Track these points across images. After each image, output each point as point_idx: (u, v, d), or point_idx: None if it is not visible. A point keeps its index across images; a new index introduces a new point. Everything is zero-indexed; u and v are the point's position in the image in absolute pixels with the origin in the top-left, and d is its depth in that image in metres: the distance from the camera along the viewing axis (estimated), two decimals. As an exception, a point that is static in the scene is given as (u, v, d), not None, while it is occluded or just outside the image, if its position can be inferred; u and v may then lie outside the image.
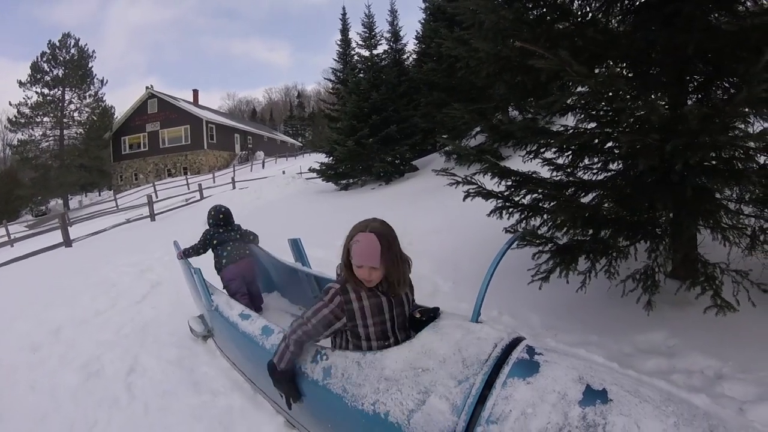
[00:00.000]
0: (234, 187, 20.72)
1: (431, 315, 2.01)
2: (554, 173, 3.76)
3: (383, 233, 1.91)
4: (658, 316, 3.24)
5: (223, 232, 4.13)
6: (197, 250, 4.14)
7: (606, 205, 3.29)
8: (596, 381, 1.49)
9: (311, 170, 15.86)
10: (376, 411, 1.71)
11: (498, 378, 1.54)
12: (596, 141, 2.97)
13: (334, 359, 1.97)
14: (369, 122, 13.10)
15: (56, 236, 12.43)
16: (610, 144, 3.06)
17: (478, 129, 10.15)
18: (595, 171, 3.51)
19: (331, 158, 14.50)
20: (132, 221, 14.92)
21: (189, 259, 4.11)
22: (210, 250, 4.15)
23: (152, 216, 14.78)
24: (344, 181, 14.21)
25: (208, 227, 4.19)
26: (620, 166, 3.25)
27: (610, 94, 2.26)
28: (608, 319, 3.43)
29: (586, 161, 3.59)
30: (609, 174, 3.39)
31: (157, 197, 17.48)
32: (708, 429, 1.39)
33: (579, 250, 3.25)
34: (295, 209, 11.47)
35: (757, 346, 2.79)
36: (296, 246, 3.98)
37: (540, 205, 3.57)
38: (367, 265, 1.87)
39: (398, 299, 2.01)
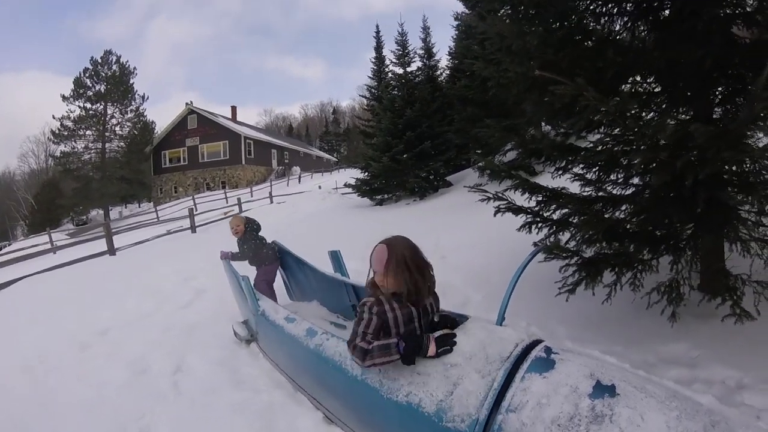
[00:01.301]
0: (272, 202, 21.23)
1: (451, 321, 2.21)
2: (583, 188, 3.88)
3: (392, 244, 2.16)
4: (682, 327, 3.30)
5: (257, 240, 4.94)
6: (238, 255, 4.96)
7: (631, 219, 3.41)
8: (606, 377, 1.66)
9: (347, 185, 16.19)
10: (409, 401, 1.94)
11: (517, 373, 1.75)
12: (619, 158, 3.11)
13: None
14: (404, 138, 13.33)
15: (98, 245, 13.02)
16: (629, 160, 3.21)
17: (509, 146, 10.26)
18: (621, 186, 3.63)
19: (367, 174, 14.77)
20: (173, 233, 15.39)
21: (235, 267, 4.45)
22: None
23: (193, 228, 15.24)
24: (379, 197, 14.45)
25: (243, 235, 4.99)
26: (640, 181, 3.37)
27: (628, 115, 2.43)
28: (633, 330, 3.51)
29: (612, 177, 3.71)
30: (632, 189, 3.51)
31: (196, 210, 18.11)
32: (710, 423, 1.54)
33: (604, 263, 3.37)
34: (331, 223, 11.74)
35: None
36: (336, 258, 4.25)
37: (569, 219, 3.70)
38: (376, 271, 2.15)
39: (424, 309, 2.20)
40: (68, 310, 6.54)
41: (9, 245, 32.51)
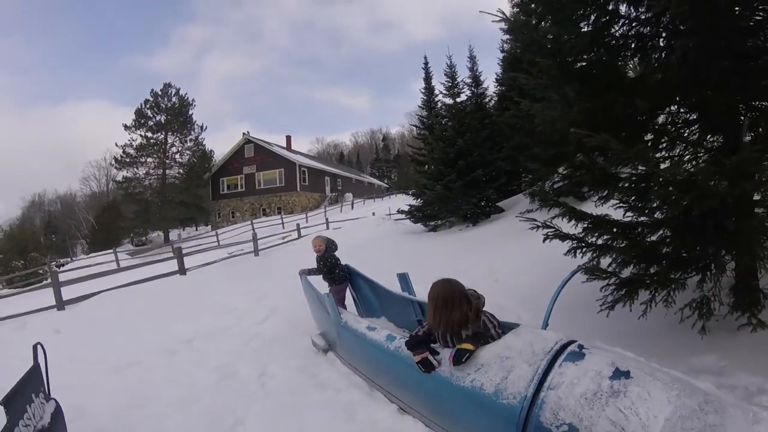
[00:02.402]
0: (328, 227, 22.09)
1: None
2: (625, 215, 4.31)
3: (435, 285, 2.97)
4: (713, 340, 3.66)
5: (333, 259, 5.65)
6: (314, 271, 5.71)
7: (664, 243, 3.87)
8: (623, 365, 2.22)
9: (400, 212, 16.83)
10: (473, 385, 2.55)
11: (556, 362, 2.33)
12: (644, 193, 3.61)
13: (443, 354, 2.84)
14: (455, 167, 13.88)
15: (162, 266, 13.69)
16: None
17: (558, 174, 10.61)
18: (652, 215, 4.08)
19: (420, 200, 15.40)
20: (234, 255, 16.07)
21: (314, 285, 5.17)
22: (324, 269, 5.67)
23: (256, 251, 16.05)
24: (432, 223, 14.98)
25: (323, 254, 5.67)
26: (660, 215, 3.82)
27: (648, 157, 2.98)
28: (667, 343, 3.86)
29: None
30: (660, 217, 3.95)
31: (255, 235, 19.16)
32: (704, 401, 2.06)
33: (640, 283, 3.85)
34: (388, 248, 12.33)
35: None
36: (404, 279, 4.91)
37: (609, 244, 4.16)
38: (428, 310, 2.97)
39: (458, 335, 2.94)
40: (150, 322, 7.35)
41: (71, 261, 34.71)
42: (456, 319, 2.87)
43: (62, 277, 10.25)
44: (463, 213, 14.00)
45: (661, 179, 2.95)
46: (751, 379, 3.15)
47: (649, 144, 4.04)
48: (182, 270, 12.72)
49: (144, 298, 9.70)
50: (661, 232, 3.93)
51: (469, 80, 18.74)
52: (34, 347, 3.41)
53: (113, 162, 43.65)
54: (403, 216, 16.31)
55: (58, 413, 3.44)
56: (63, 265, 28.04)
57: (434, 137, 15.52)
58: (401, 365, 3.16)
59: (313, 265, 5.84)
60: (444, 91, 17.27)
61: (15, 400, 2.72)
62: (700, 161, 3.92)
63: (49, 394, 3.53)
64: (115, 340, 6.46)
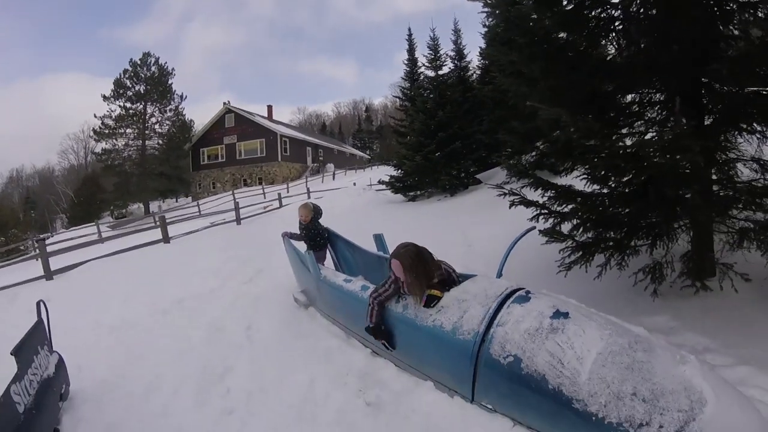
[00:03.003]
0: (309, 197, 22.28)
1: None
2: (586, 184, 4.62)
3: (403, 255, 3.24)
4: (664, 303, 4.02)
5: (317, 227, 5.92)
6: (296, 236, 5.94)
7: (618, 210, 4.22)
8: (563, 307, 2.58)
9: (381, 182, 17.10)
10: (434, 324, 2.92)
11: (504, 304, 2.69)
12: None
13: (408, 300, 3.22)
14: (435, 139, 14.16)
15: (144, 236, 13.91)
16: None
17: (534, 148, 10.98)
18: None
19: (400, 171, 15.68)
20: (216, 224, 16.29)
21: (295, 245, 5.47)
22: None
23: (238, 220, 16.26)
24: (412, 193, 15.31)
25: (309, 222, 5.91)
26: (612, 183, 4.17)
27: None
28: (621, 305, 4.12)
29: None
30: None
31: (237, 204, 19.26)
32: (634, 341, 2.42)
33: (595, 246, 4.22)
34: (369, 216, 12.63)
35: (742, 328, 3.50)
36: (380, 239, 5.26)
37: (570, 211, 4.49)
38: (398, 277, 3.27)
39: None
40: (140, 287, 7.64)
41: (51, 236, 34.54)
42: (428, 276, 3.21)
43: (48, 250, 10.33)
44: (442, 184, 14.32)
45: (606, 151, 3.27)
46: (699, 339, 3.48)
47: (610, 121, 4.35)
48: (166, 238, 12.97)
49: (131, 265, 9.99)
50: (614, 200, 4.28)
51: (452, 53, 18.85)
52: (38, 304, 3.70)
53: (92, 134, 42.93)
54: (384, 186, 16.59)
55: (60, 364, 3.79)
56: (43, 240, 27.77)
57: (416, 109, 15.76)
58: (374, 313, 3.50)
59: (295, 230, 6.11)
60: (426, 64, 17.40)
61: (23, 350, 3.02)
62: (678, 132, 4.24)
63: (52, 348, 3.82)
64: (107, 304, 6.75)
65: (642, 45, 4.10)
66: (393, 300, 3.41)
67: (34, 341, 3.37)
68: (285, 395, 3.54)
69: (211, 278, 7.57)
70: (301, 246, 5.64)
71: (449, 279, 3.27)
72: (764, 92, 3.48)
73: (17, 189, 68.35)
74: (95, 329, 5.69)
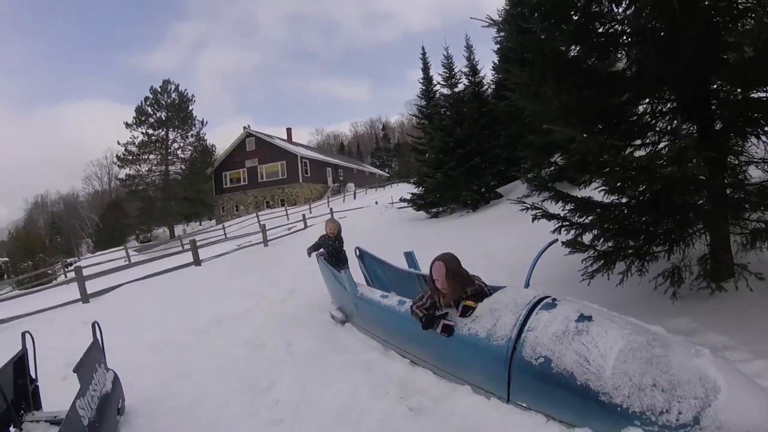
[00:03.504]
0: (332, 217, 22.57)
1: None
2: (605, 196, 4.86)
3: (446, 260, 3.53)
4: (684, 306, 4.20)
5: (340, 242, 6.48)
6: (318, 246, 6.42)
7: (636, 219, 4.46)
8: (587, 311, 2.85)
9: (402, 200, 17.43)
10: (470, 333, 3.20)
11: (533, 311, 2.98)
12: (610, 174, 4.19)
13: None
14: (455, 155, 14.48)
15: (174, 259, 14.11)
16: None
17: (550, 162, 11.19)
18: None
19: (421, 189, 15.99)
20: (243, 247, 16.60)
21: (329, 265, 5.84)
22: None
23: (265, 242, 16.61)
24: (434, 210, 15.60)
25: (336, 234, 6.51)
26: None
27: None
28: (643, 310, 4.14)
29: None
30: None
31: (264, 226, 19.58)
32: (652, 338, 2.67)
33: (616, 255, 4.46)
34: (393, 234, 12.93)
35: (759, 325, 3.65)
36: (410, 256, 5.55)
37: (591, 222, 4.73)
38: (437, 279, 3.53)
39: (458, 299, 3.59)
40: (176, 308, 7.95)
41: (78, 261, 35.25)
42: (464, 282, 3.56)
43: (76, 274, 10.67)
44: (463, 199, 14.60)
45: (619, 165, 3.56)
46: (718, 338, 3.64)
47: (623, 134, 4.61)
48: (197, 261, 13.28)
49: (164, 288, 10.31)
50: (631, 210, 4.51)
51: (466, 69, 19.15)
52: (93, 325, 3.99)
53: (115, 160, 44.06)
54: (406, 204, 16.89)
55: (116, 381, 4.06)
56: (70, 265, 28.45)
57: (433, 127, 16.09)
58: (412, 325, 3.78)
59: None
60: (442, 82, 17.73)
61: (84, 368, 3.28)
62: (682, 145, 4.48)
63: (107, 366, 4.13)
64: (145, 325, 7.06)
65: (648, 57, 4.34)
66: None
67: (92, 359, 3.61)
68: (330, 404, 3.77)
69: (245, 299, 7.90)
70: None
71: (482, 292, 3.58)
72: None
73: (42, 214, 70.21)
74: (136, 349, 5.93)
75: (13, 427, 3.28)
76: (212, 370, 4.92)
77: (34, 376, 3.69)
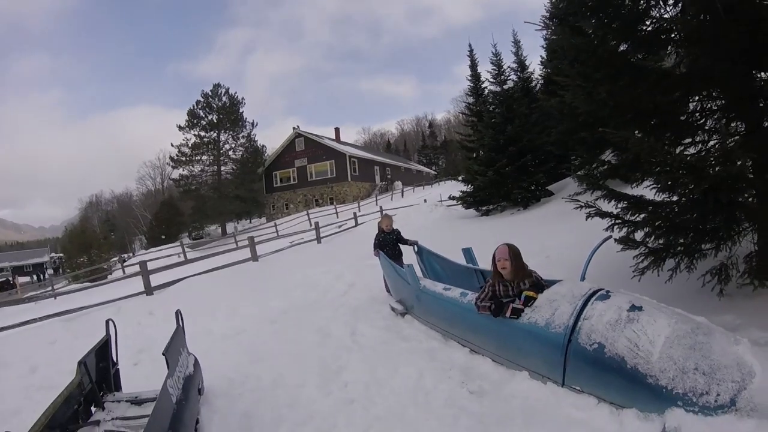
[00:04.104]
0: (382, 215, 22.90)
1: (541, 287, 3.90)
2: (656, 194, 4.94)
3: (510, 245, 4.00)
4: (731, 303, 4.36)
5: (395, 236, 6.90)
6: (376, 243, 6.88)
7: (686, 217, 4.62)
8: (638, 302, 3.15)
9: (451, 198, 17.66)
10: (530, 322, 3.55)
11: (589, 301, 3.29)
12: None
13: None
14: (506, 153, 14.64)
15: (229, 255, 14.71)
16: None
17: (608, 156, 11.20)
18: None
19: (471, 186, 16.20)
20: (296, 244, 17.06)
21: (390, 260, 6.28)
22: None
23: (318, 239, 17.12)
24: (484, 208, 15.79)
25: (392, 230, 6.98)
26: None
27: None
28: (691, 306, 4.07)
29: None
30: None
31: (311, 225, 19.99)
32: (696, 326, 2.95)
33: (665, 252, 4.65)
34: (446, 232, 13.20)
35: None
36: (468, 253, 5.90)
37: (642, 220, 4.92)
38: (500, 259, 3.94)
39: (518, 284, 3.97)
40: (241, 299, 8.47)
41: (131, 257, 36.67)
42: (525, 268, 3.99)
43: (132, 270, 11.18)
44: (514, 197, 14.73)
45: (669, 164, 3.79)
46: (762, 334, 3.75)
47: (673, 133, 4.78)
48: (255, 257, 13.89)
49: (226, 281, 10.87)
50: (681, 208, 4.66)
51: (514, 65, 19.18)
52: (176, 313, 4.39)
53: (169, 161, 45.93)
54: (455, 202, 17.11)
55: (197, 364, 4.47)
56: (125, 261, 29.81)
57: (483, 125, 16.24)
58: (473, 314, 4.16)
59: (370, 247, 7.10)
60: (491, 79, 17.81)
61: (171, 351, 3.60)
62: (728, 146, 4.63)
63: (189, 350, 4.52)
64: (212, 315, 7.61)
65: (695, 55, 4.49)
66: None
67: (177, 344, 3.94)
68: (398, 386, 4.14)
69: (309, 291, 8.40)
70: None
71: (539, 284, 3.94)
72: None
73: (96, 213, 74.43)
74: (208, 336, 6.42)
75: (95, 407, 3.64)
76: (285, 355, 5.33)
77: (115, 360, 4.09)
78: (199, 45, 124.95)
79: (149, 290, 10.57)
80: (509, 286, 3.99)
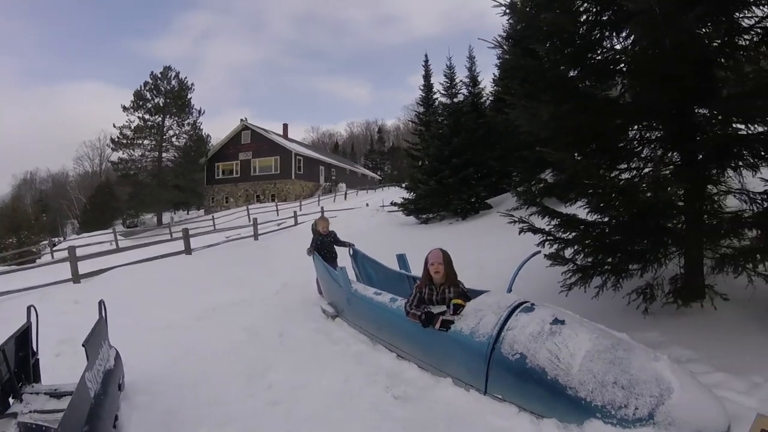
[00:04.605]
0: (323, 216, 22.83)
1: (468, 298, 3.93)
2: (587, 214, 5.10)
3: (444, 251, 4.11)
4: (655, 321, 4.55)
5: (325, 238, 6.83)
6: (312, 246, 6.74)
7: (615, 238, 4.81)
8: (561, 316, 3.21)
9: (393, 204, 17.75)
10: (456, 330, 3.55)
11: (514, 313, 3.33)
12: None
13: (434, 310, 3.83)
14: (450, 164, 14.86)
15: (163, 246, 14.08)
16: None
17: (546, 175, 11.60)
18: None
19: (413, 194, 16.33)
20: (232, 239, 16.81)
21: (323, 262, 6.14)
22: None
23: (256, 236, 16.79)
24: (425, 216, 15.94)
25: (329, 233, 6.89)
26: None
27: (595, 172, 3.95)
28: (616, 323, 4.17)
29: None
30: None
31: (250, 221, 19.74)
32: (616, 342, 3.03)
33: (593, 269, 4.81)
34: (385, 238, 13.19)
35: (721, 341, 3.99)
36: (402, 259, 5.90)
37: (574, 237, 5.08)
38: (433, 263, 4.00)
39: (443, 291, 4.05)
40: (171, 293, 8.19)
41: (62, 241, 34.47)
42: (455, 275, 4.08)
43: (63, 255, 10.64)
44: (454, 208, 14.96)
45: (601, 187, 3.93)
46: (683, 351, 3.96)
47: (610, 158, 4.96)
48: (188, 250, 13.44)
49: (157, 273, 10.48)
50: (611, 229, 4.85)
51: (466, 80, 19.48)
52: (99, 303, 4.18)
53: (109, 143, 43.62)
54: (397, 208, 17.21)
55: (118, 358, 4.25)
56: (55, 245, 28.13)
57: (431, 134, 16.44)
58: (401, 321, 4.16)
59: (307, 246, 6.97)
60: (442, 91, 18.04)
61: (91, 344, 3.40)
62: (660, 174, 4.86)
63: (110, 343, 4.30)
64: (141, 308, 7.28)
65: (642, 87, 4.67)
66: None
67: (98, 336, 3.74)
68: (324, 389, 4.07)
69: (240, 288, 8.20)
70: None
71: (464, 294, 4.00)
72: (747, 132, 4.07)
73: (30, 191, 69.75)
74: (133, 330, 6.03)
75: (13, 398, 3.44)
76: (210, 353, 5.16)
77: (35, 350, 3.86)
78: (157, 23, 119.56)
79: (77, 278, 10.04)
80: (435, 291, 4.07)
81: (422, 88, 21.20)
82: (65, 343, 5.76)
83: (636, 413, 2.65)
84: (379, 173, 69.74)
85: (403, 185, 18.10)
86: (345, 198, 39.24)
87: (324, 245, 6.74)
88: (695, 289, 4.54)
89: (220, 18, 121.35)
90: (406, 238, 13.09)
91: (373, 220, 18.32)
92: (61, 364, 4.86)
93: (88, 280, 10.07)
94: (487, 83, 28.11)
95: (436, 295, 4.07)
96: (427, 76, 21.00)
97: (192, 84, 43.99)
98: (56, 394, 3.55)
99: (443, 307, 3.95)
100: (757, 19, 4.01)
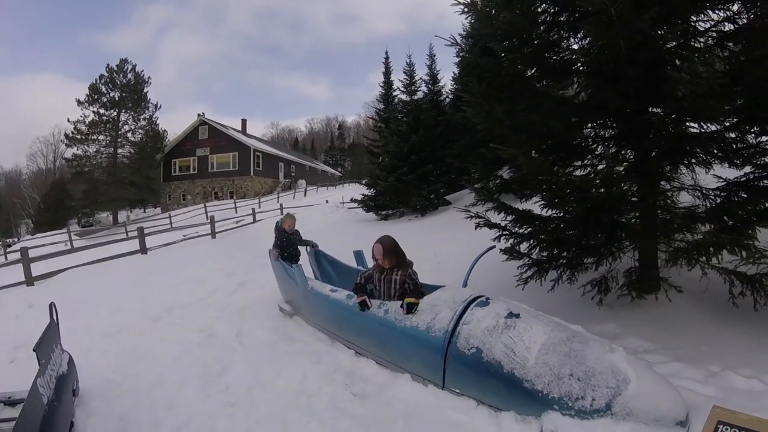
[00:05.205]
0: (282, 213, 22.61)
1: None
2: (542, 209, 5.23)
3: (383, 241, 4.16)
4: (611, 313, 4.66)
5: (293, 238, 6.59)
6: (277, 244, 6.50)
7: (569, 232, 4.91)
8: (516, 310, 3.24)
9: (353, 200, 17.69)
10: (412, 326, 3.54)
11: (469, 307, 3.34)
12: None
13: (390, 306, 3.84)
14: (408, 161, 14.91)
15: (119, 246, 13.75)
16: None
17: (503, 172, 11.78)
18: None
19: (373, 191, 16.32)
20: (189, 238, 16.35)
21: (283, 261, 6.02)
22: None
23: (213, 234, 16.37)
24: (384, 212, 15.97)
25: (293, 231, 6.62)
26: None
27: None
28: (574, 315, 4.39)
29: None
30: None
31: (207, 218, 19.37)
32: (572, 334, 3.07)
33: (548, 263, 4.90)
34: (343, 234, 13.10)
35: (676, 332, 4.15)
36: (359, 255, 5.89)
37: (528, 232, 5.16)
38: (377, 257, 4.14)
39: (389, 276, 4.20)
40: (126, 294, 7.84)
41: (17, 242, 33.14)
42: (402, 258, 4.17)
43: (16, 257, 10.19)
44: (413, 204, 15.03)
45: (554, 183, 3.99)
46: (640, 342, 4.09)
47: (564, 155, 5.06)
48: (144, 249, 13.10)
49: (112, 274, 10.09)
50: (565, 224, 4.96)
51: (426, 78, 19.63)
52: (50, 306, 3.99)
53: (63, 138, 41.62)
54: (356, 205, 17.17)
55: (71, 362, 4.08)
56: (10, 246, 26.91)
57: (390, 131, 16.44)
58: (358, 316, 4.14)
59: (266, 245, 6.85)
60: (402, 89, 18.16)
61: (42, 348, 3.27)
62: (613, 171, 4.96)
63: (63, 348, 4.15)
64: (95, 311, 6.94)
65: (597, 87, 4.75)
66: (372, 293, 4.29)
67: (50, 340, 3.58)
68: (281, 389, 4.01)
69: (197, 288, 7.94)
70: None
71: (416, 285, 4.04)
72: (700, 131, 4.20)
73: None
74: (88, 333, 5.88)
75: None
76: (166, 355, 5.02)
77: None
78: (115, 15, 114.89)
79: (30, 280, 9.54)
80: (384, 272, 4.23)
81: (382, 85, 21.26)
82: (20, 349, 5.46)
83: (593, 404, 2.70)
84: (339, 170, 69.35)
85: (363, 182, 18.03)
86: (305, 195, 38.83)
87: (289, 243, 6.58)
88: (650, 281, 4.67)
89: (179, 10, 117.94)
90: (365, 234, 12.97)
91: (333, 216, 18.23)
92: (15, 371, 4.63)
93: (42, 282, 9.65)
94: (447, 81, 28.36)
95: (384, 275, 4.22)
96: (387, 74, 21.06)
97: (149, 78, 42.60)
98: (10, 402, 3.44)
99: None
100: (712, 23, 4.16)
